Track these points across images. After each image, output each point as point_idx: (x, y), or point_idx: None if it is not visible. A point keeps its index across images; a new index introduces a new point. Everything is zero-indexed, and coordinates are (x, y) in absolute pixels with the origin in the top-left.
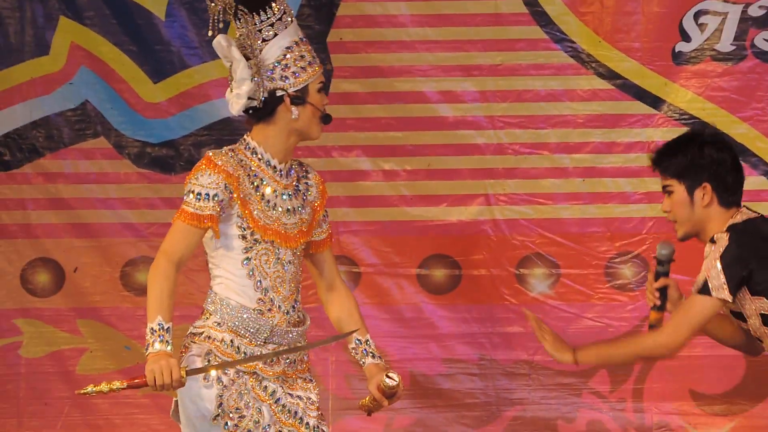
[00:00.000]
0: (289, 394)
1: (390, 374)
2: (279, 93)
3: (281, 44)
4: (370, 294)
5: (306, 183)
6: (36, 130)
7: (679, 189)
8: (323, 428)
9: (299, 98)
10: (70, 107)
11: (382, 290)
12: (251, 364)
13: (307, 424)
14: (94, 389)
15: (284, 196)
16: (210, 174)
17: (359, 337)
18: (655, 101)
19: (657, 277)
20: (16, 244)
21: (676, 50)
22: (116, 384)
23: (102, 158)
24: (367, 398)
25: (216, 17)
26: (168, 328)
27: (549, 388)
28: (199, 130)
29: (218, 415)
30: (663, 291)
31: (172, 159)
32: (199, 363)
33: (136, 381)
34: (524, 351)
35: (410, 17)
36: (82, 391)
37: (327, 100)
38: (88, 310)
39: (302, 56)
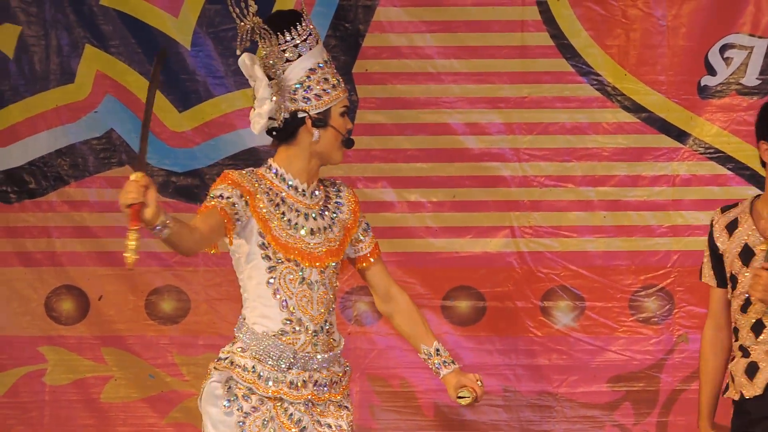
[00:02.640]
0: (318, 421)
1: (462, 394)
2: (300, 114)
3: (305, 65)
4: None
5: (336, 202)
6: (61, 158)
7: None
8: None
9: (321, 121)
10: (96, 135)
11: None
12: (276, 388)
13: None
14: (131, 249)
15: (306, 217)
16: (226, 186)
17: (427, 347)
18: (681, 135)
19: None
20: (41, 272)
21: (702, 84)
22: (131, 236)
23: None
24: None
25: (243, 36)
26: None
27: (573, 420)
28: (224, 160)
29: None
30: None
31: (197, 188)
32: (220, 389)
33: (133, 213)
34: (549, 383)
35: (436, 49)
36: (130, 258)
37: (351, 125)
38: (113, 339)
39: (326, 79)
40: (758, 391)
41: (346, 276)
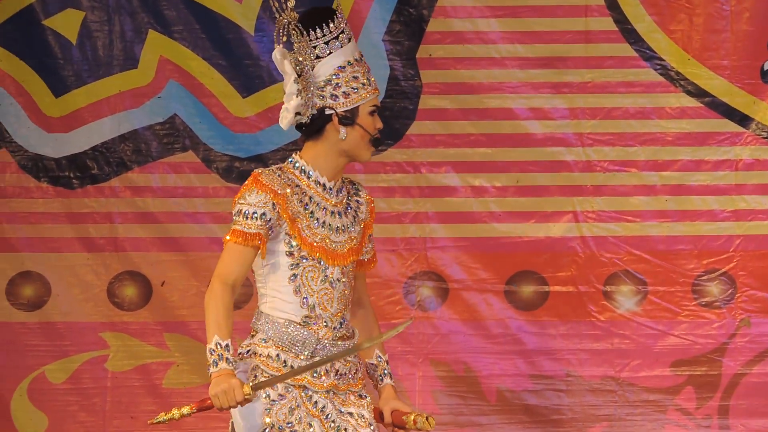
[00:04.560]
0: (340, 410)
1: (430, 418)
2: (328, 111)
3: (334, 63)
4: (457, 310)
5: (357, 201)
6: (124, 143)
7: None
8: None
9: (348, 119)
10: (159, 121)
11: (469, 306)
12: (300, 377)
13: None
14: (165, 417)
15: (333, 215)
16: (257, 193)
17: (381, 355)
18: (744, 119)
19: None
20: (104, 258)
21: (765, 68)
22: (185, 409)
23: (190, 172)
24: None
25: (281, 30)
26: (227, 345)
27: (635, 404)
28: (288, 145)
29: (267, 429)
30: None
31: None
32: (244, 379)
33: (204, 404)
34: (611, 367)
35: (500, 34)
36: (155, 421)
37: (380, 123)
38: (175, 324)
39: (355, 77)
40: None
41: (409, 261)
